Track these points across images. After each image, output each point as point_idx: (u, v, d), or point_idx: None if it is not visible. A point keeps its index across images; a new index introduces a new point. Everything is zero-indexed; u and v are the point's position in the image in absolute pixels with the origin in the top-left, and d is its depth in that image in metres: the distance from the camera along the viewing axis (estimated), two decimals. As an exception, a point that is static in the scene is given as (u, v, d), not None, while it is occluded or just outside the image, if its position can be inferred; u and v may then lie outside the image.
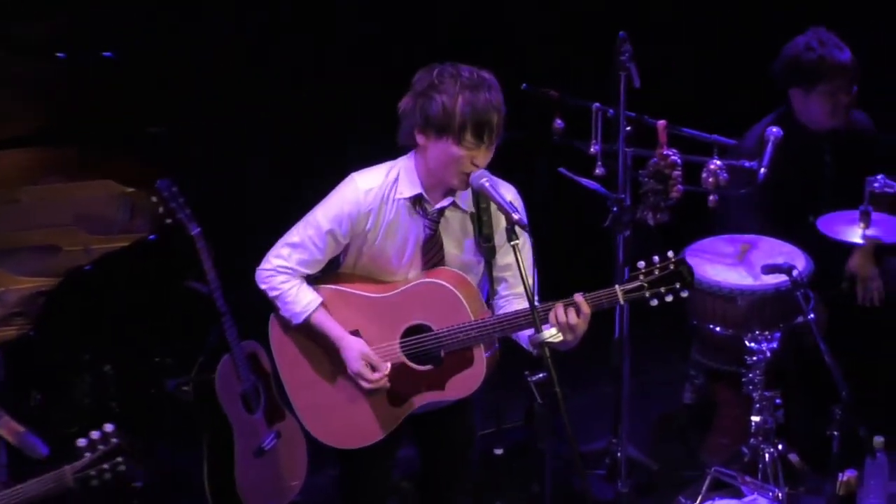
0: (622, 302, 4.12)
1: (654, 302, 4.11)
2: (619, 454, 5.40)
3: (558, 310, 4.08)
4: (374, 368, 4.30)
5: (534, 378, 3.94)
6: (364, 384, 4.30)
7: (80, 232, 5.51)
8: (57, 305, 5.14)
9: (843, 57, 5.50)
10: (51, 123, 5.55)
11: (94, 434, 4.02)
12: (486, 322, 4.22)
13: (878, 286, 5.65)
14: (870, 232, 5.06)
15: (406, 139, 4.23)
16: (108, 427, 4.03)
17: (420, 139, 4.17)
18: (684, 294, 4.10)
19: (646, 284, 4.10)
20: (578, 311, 4.07)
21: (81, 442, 4.01)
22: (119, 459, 4.01)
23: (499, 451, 5.86)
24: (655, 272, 4.10)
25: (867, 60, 5.62)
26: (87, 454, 4.00)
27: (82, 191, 5.61)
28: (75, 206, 5.57)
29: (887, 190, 5.02)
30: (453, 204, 4.27)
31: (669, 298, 4.11)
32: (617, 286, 4.11)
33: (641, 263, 4.12)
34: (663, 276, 4.10)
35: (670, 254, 4.12)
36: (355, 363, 4.30)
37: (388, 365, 4.31)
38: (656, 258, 4.11)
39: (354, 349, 4.31)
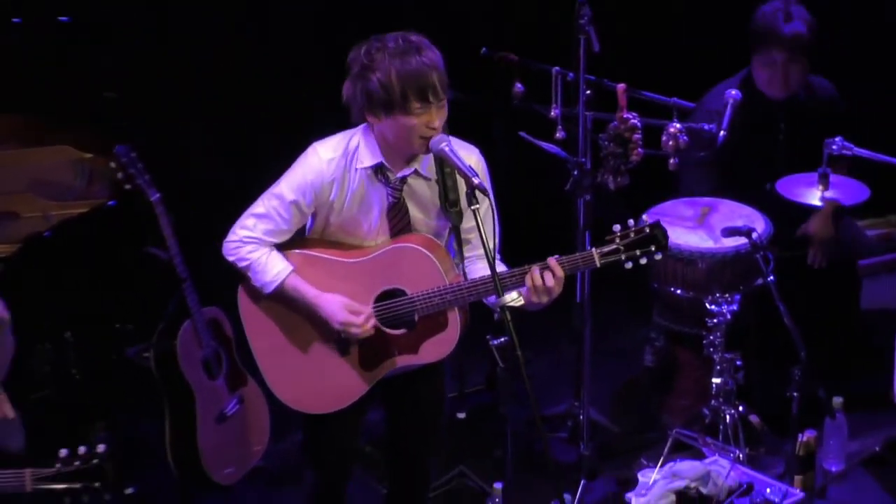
0: (598, 264, 4.15)
1: (629, 265, 4.15)
2: (580, 417, 5.41)
3: (534, 272, 4.10)
4: (358, 314, 4.29)
5: (495, 342, 3.95)
6: (354, 330, 4.26)
7: (39, 198, 5.47)
8: (16, 272, 5.11)
9: (788, 28, 5.49)
10: (6, 89, 5.50)
11: (81, 448, 3.83)
12: (461, 286, 4.22)
13: (827, 252, 5.68)
14: (828, 194, 5.07)
15: (359, 119, 4.23)
16: (101, 447, 3.85)
17: (372, 119, 4.17)
18: (658, 257, 4.15)
19: (622, 248, 4.14)
20: (553, 274, 4.09)
21: (63, 452, 3.84)
22: (97, 485, 3.81)
23: (461, 416, 5.88)
24: (631, 235, 4.14)
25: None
26: (59, 465, 3.80)
27: (39, 157, 5.57)
28: (32, 172, 5.53)
29: (845, 152, 5.04)
30: (415, 172, 4.27)
31: (644, 261, 4.15)
32: (593, 249, 4.14)
33: (617, 227, 4.15)
34: (639, 240, 4.14)
35: (645, 217, 4.16)
36: (339, 314, 4.27)
37: (370, 308, 4.31)
38: (631, 222, 4.16)
39: (334, 302, 4.28)
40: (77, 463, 3.80)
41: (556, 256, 4.12)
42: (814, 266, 5.71)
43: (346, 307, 4.28)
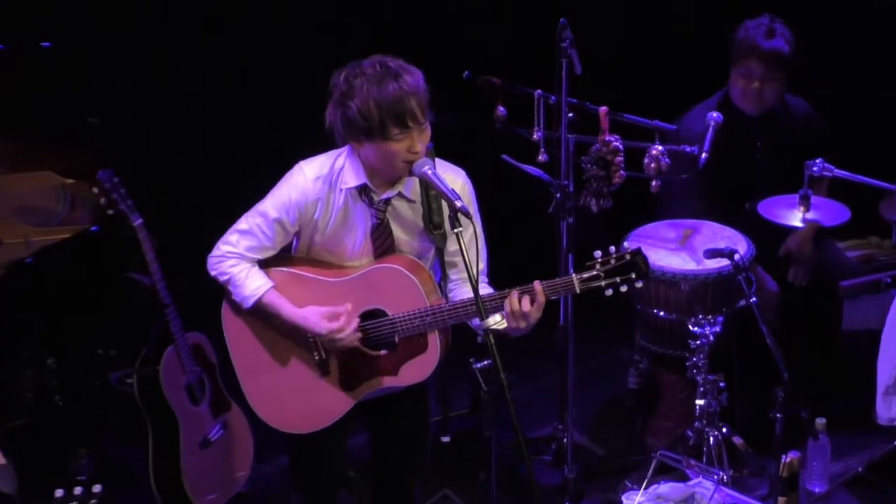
0: (578, 290, 4.15)
1: (609, 292, 4.16)
2: (564, 440, 5.41)
3: (512, 297, 4.10)
4: (338, 319, 4.28)
5: (479, 365, 3.95)
6: (339, 336, 4.26)
7: (20, 224, 5.46)
8: (-2, 299, 5.11)
9: (768, 43, 5.53)
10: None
11: (77, 490, 3.77)
12: (442, 308, 4.22)
13: (808, 269, 5.70)
14: (809, 215, 5.09)
15: (343, 143, 4.24)
16: (96, 488, 3.79)
17: (354, 144, 4.19)
18: (639, 284, 4.16)
19: (602, 274, 4.15)
20: (533, 300, 4.09)
21: (59, 492, 3.77)
22: None
23: (446, 439, 5.87)
24: (612, 262, 4.14)
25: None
26: None
27: (21, 182, 5.56)
28: (14, 197, 5.52)
29: (826, 174, 5.06)
30: (399, 194, 4.28)
31: (624, 288, 4.16)
32: (574, 275, 4.15)
33: (598, 253, 4.16)
34: (619, 267, 4.14)
35: (626, 244, 4.17)
36: (320, 325, 4.27)
37: (349, 305, 4.30)
38: (612, 248, 4.16)
39: (314, 315, 4.28)
40: None
41: (539, 282, 4.13)
42: (795, 284, 5.73)
43: (324, 317, 4.28)
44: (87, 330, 5.63)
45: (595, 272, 4.15)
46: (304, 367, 4.37)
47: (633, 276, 4.15)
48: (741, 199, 5.62)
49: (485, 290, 4.29)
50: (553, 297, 4.15)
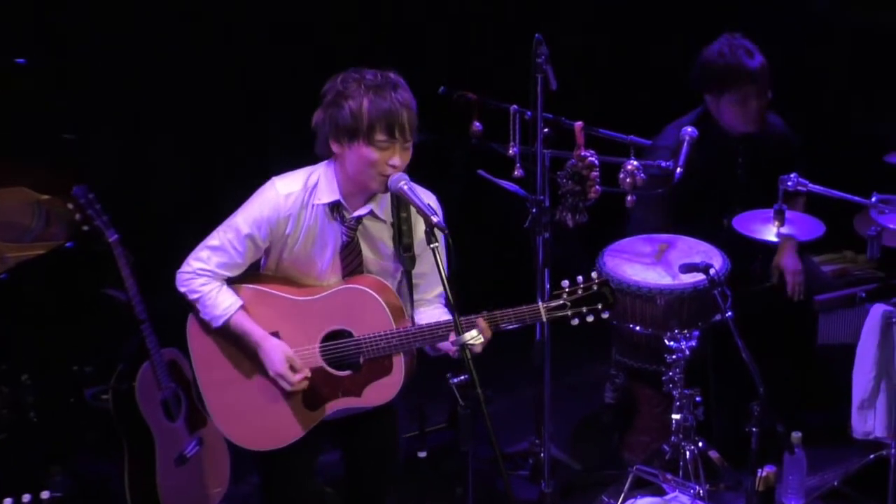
0: (545, 319, 4.19)
1: (576, 321, 4.20)
2: (541, 455, 5.41)
3: (480, 322, 4.14)
4: (295, 370, 4.29)
5: (455, 380, 3.95)
6: (285, 385, 4.30)
7: (-5, 240, 5.44)
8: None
9: (753, 64, 5.55)
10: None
11: (25, 498, 3.83)
12: (408, 331, 4.24)
13: (800, 281, 5.73)
14: (784, 230, 5.11)
15: (322, 150, 4.26)
16: (44, 494, 3.84)
17: (335, 148, 4.19)
18: (605, 315, 4.20)
19: (569, 304, 4.20)
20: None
21: (7, 501, 3.83)
22: None
23: (422, 454, 5.86)
24: (579, 292, 4.19)
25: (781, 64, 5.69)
26: None
27: (-4, 199, 5.54)
28: (-11, 214, 5.50)
29: (800, 188, 5.09)
30: (371, 213, 4.28)
31: (591, 319, 4.22)
32: (541, 304, 4.19)
33: (566, 283, 4.20)
34: (586, 297, 4.19)
35: (594, 274, 4.21)
36: (278, 365, 4.29)
37: (308, 369, 4.30)
38: (580, 278, 4.20)
39: (277, 350, 4.30)
40: None
41: (480, 318, 4.14)
42: (793, 298, 5.73)
43: (287, 360, 4.30)
44: (63, 346, 5.60)
45: (562, 301, 4.21)
46: (267, 385, 4.36)
47: (600, 306, 4.21)
48: (720, 215, 5.64)
49: (441, 313, 4.34)
50: (520, 325, 4.18)
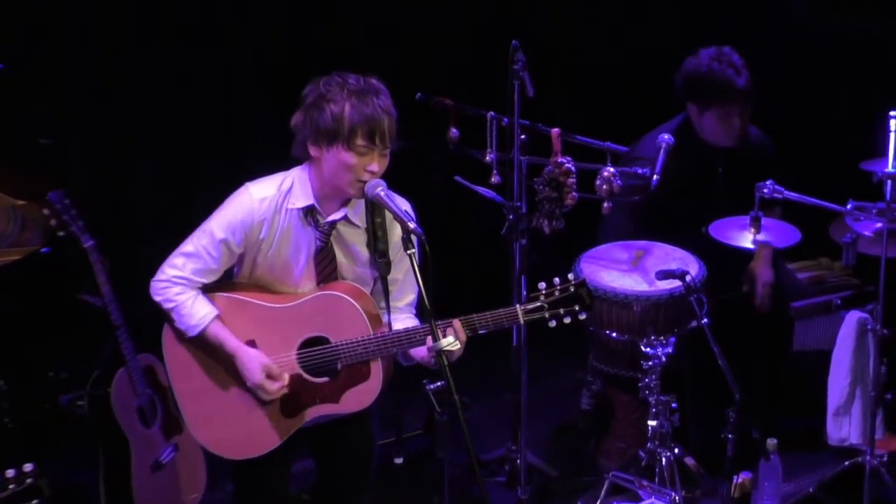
0: (522, 322, 4.20)
1: (553, 323, 4.21)
2: (518, 461, 5.42)
3: (455, 324, 4.13)
4: (274, 379, 4.28)
5: (432, 386, 3.94)
6: (264, 395, 4.29)
7: (-31, 246, 5.42)
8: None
9: (739, 82, 5.53)
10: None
11: (10, 472, 3.86)
12: (386, 336, 4.23)
13: (770, 293, 5.74)
14: (760, 237, 5.13)
15: (300, 152, 4.25)
16: (28, 466, 3.88)
17: (314, 151, 4.18)
18: (582, 316, 4.21)
19: (546, 305, 4.21)
20: (456, 335, 4.11)
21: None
22: (35, 502, 3.86)
23: (399, 461, 5.86)
24: (556, 293, 4.19)
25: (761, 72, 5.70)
26: None
27: (-29, 204, 5.52)
28: (-36, 219, 5.48)
29: (776, 196, 5.10)
30: (346, 218, 4.28)
31: (568, 320, 4.23)
32: (518, 306, 4.19)
33: (542, 284, 4.21)
34: (563, 298, 4.20)
35: (571, 276, 4.21)
36: (256, 375, 4.27)
37: (287, 376, 4.30)
38: (557, 280, 4.21)
39: (254, 360, 4.28)
40: (12, 486, 3.84)
41: (456, 320, 4.14)
42: (762, 310, 5.74)
43: (264, 369, 4.28)
44: (38, 352, 5.59)
45: (539, 303, 4.21)
46: (243, 394, 4.35)
47: (577, 307, 4.22)
48: (699, 223, 5.64)
49: (411, 321, 4.33)
50: (497, 328, 4.18)
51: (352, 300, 4.26)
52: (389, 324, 4.33)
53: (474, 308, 4.21)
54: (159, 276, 4.33)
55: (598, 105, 6.83)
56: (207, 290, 4.35)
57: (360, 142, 4.11)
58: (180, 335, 4.35)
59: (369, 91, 4.14)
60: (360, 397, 4.31)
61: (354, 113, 4.10)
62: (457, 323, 4.14)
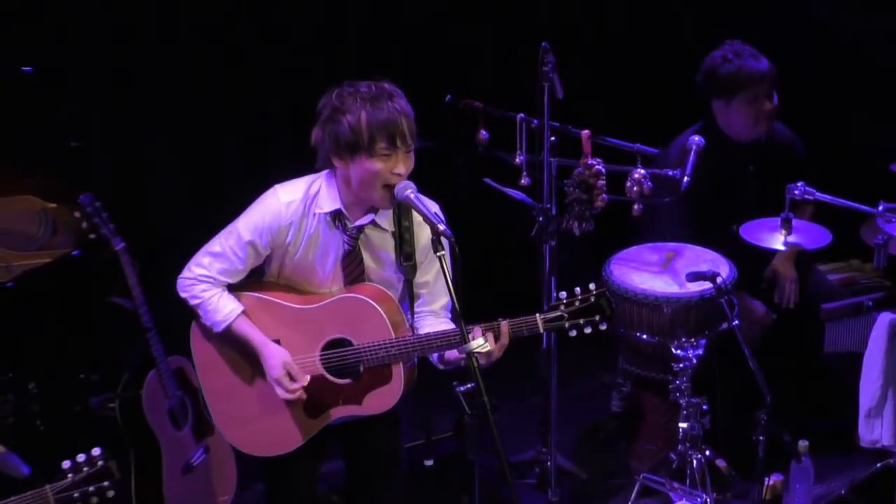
0: (542, 331, 4.19)
1: (573, 333, 4.19)
2: (548, 463, 5.41)
3: (476, 333, 4.11)
4: (293, 379, 4.29)
5: (462, 388, 3.94)
6: (281, 393, 4.31)
7: (1, 249, 5.43)
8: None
9: (760, 66, 5.56)
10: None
11: (80, 457, 4.02)
12: (407, 340, 4.24)
13: (794, 289, 5.72)
14: (791, 239, 5.11)
15: (325, 166, 4.26)
16: (96, 451, 4.03)
17: (338, 163, 4.20)
18: (603, 327, 4.19)
19: (566, 315, 4.19)
20: (497, 338, 4.10)
21: (66, 464, 4.02)
22: (106, 483, 4.03)
23: (429, 463, 5.86)
24: (576, 303, 4.18)
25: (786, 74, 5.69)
26: (70, 475, 4.00)
27: (2, 207, 5.54)
28: (-5, 222, 5.51)
29: (807, 197, 5.08)
30: (373, 223, 4.29)
31: (588, 330, 4.20)
32: (538, 315, 4.18)
33: (563, 294, 4.19)
34: (583, 308, 4.19)
35: (592, 286, 4.20)
36: (276, 371, 4.30)
37: (308, 377, 4.31)
38: (578, 289, 4.19)
39: (277, 357, 4.31)
40: (86, 469, 4.02)
41: (505, 322, 4.14)
42: (783, 306, 5.73)
43: (285, 366, 4.30)
44: (69, 354, 5.60)
45: (559, 313, 4.20)
46: (269, 392, 4.37)
47: (597, 318, 4.20)
48: (730, 223, 5.63)
49: (446, 325, 4.32)
50: (516, 336, 4.18)
51: (374, 304, 4.26)
52: (413, 327, 4.33)
53: (503, 311, 4.21)
54: (185, 273, 4.37)
55: (629, 107, 6.82)
56: (235, 288, 4.38)
57: (381, 147, 4.11)
58: (207, 332, 4.38)
59: (382, 95, 4.14)
60: (382, 400, 4.32)
61: (371, 120, 4.10)
62: (504, 326, 4.13)
